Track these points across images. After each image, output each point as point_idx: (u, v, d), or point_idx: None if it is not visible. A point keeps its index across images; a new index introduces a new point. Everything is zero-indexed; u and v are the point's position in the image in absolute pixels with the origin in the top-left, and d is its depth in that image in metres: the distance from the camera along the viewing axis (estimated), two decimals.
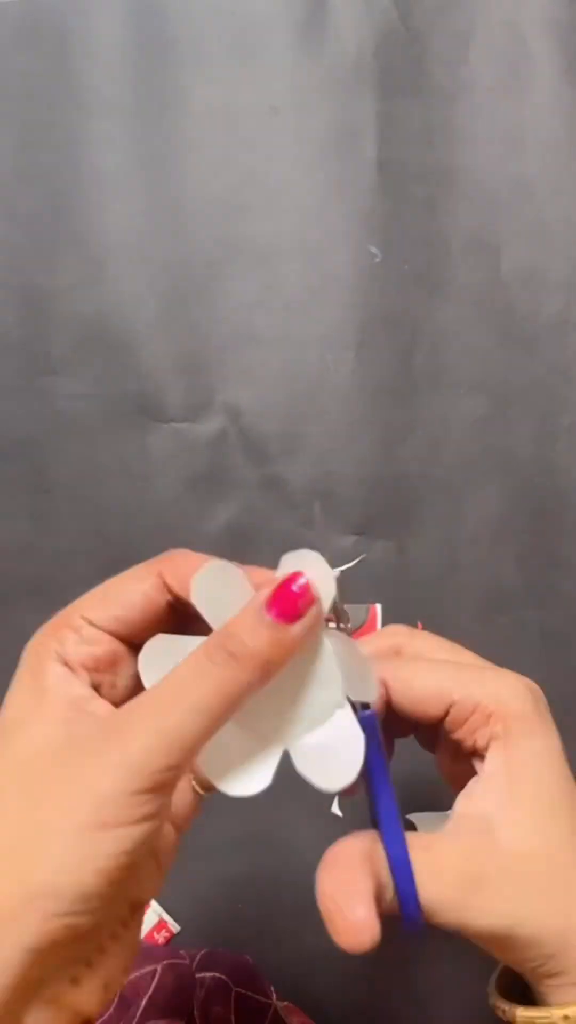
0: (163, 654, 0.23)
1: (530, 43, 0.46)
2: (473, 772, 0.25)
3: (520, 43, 0.46)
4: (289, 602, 0.21)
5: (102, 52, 0.45)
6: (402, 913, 0.22)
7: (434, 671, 0.25)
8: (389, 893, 0.22)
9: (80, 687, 0.23)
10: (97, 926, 0.21)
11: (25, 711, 0.23)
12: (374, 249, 0.46)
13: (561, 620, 0.46)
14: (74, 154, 0.46)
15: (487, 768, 0.24)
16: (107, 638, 0.24)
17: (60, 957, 0.20)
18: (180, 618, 0.24)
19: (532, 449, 0.46)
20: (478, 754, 0.25)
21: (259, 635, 0.21)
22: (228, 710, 0.21)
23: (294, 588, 0.21)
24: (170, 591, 0.24)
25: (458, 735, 0.24)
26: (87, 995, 0.21)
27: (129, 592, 0.24)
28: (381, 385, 0.46)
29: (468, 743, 0.24)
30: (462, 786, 0.25)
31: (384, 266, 0.46)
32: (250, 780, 0.23)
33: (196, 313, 0.46)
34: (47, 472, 0.46)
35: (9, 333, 0.46)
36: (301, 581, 0.21)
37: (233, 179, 0.46)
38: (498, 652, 0.46)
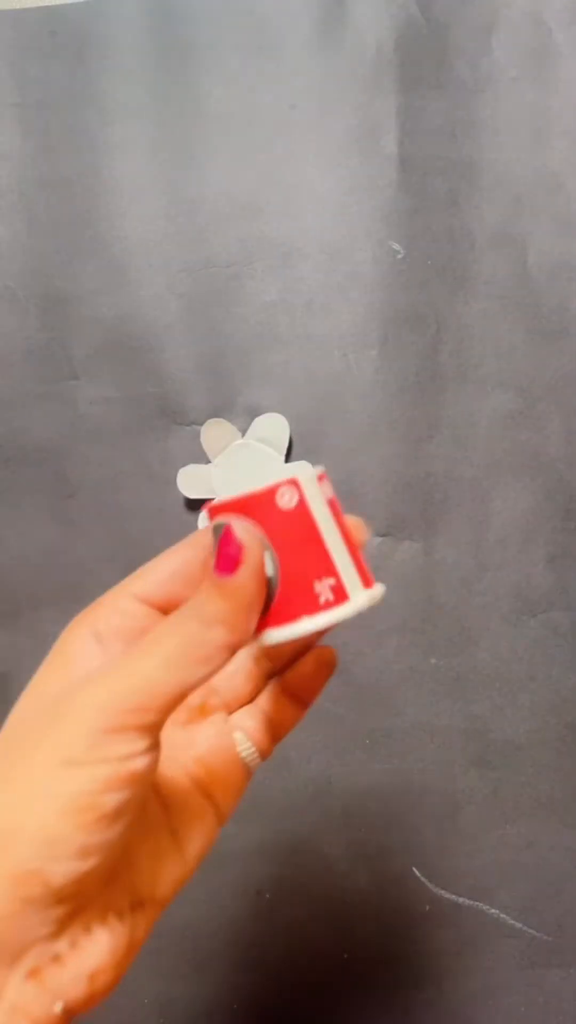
0: None
1: (554, 34, 0.45)
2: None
3: (544, 34, 0.45)
4: (224, 557, 0.22)
5: (120, 57, 0.45)
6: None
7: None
8: None
9: (102, 656, 0.23)
10: (78, 895, 0.21)
11: (41, 675, 0.24)
12: (396, 245, 0.45)
13: None
14: (93, 159, 0.46)
15: None
16: (145, 610, 0.24)
17: (39, 921, 0.20)
18: None
19: (562, 446, 0.45)
20: None
21: (210, 594, 0.22)
22: (196, 666, 0.21)
23: (222, 543, 0.22)
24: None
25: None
26: (71, 981, 0.21)
27: (167, 563, 0.25)
28: (405, 383, 0.45)
29: None
30: None
31: (407, 262, 0.45)
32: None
33: (217, 315, 0.46)
34: (70, 477, 0.46)
35: (31, 338, 0.46)
36: (228, 533, 0.22)
37: (253, 179, 0.45)
38: (529, 655, 0.45)
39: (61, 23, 0.45)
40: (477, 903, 0.43)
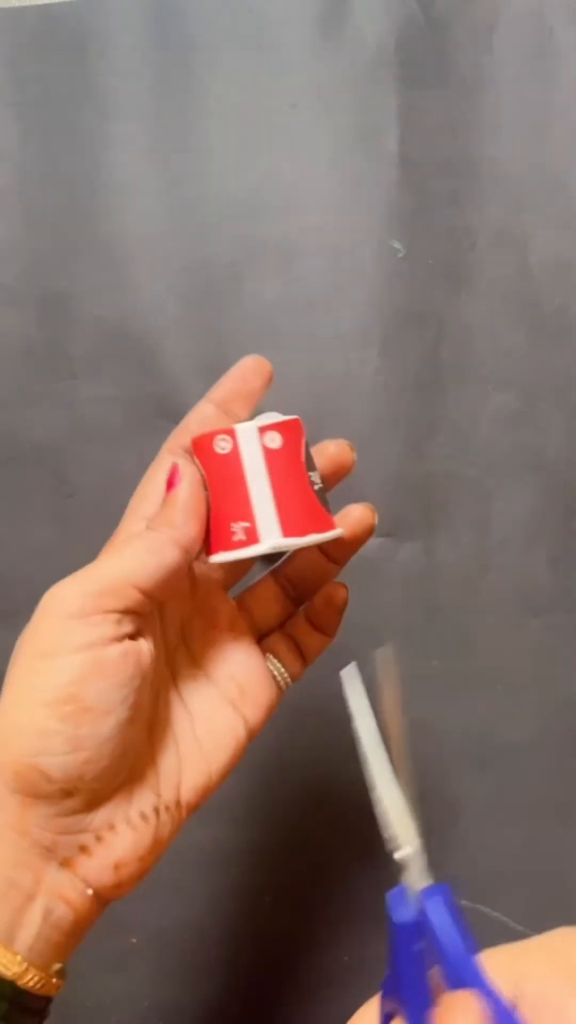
0: None
1: (555, 32, 0.45)
2: None
3: (545, 32, 0.45)
4: (168, 481, 0.27)
5: (120, 54, 0.45)
6: None
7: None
8: None
9: None
10: (86, 790, 0.23)
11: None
12: (397, 244, 0.45)
13: None
14: (93, 157, 0.46)
15: None
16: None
17: (55, 812, 0.22)
18: None
19: (564, 446, 0.45)
20: None
21: (159, 507, 0.26)
22: (147, 557, 0.24)
23: (170, 473, 0.27)
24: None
25: None
26: (98, 869, 0.24)
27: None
28: (406, 383, 0.45)
29: None
30: None
31: (408, 262, 0.45)
32: None
33: (217, 314, 0.45)
34: (69, 477, 0.46)
35: (29, 338, 0.46)
36: (172, 467, 0.27)
37: (253, 178, 0.45)
38: (531, 657, 0.45)
39: (60, 21, 0.45)
40: (479, 906, 0.43)
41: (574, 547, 0.45)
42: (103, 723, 0.22)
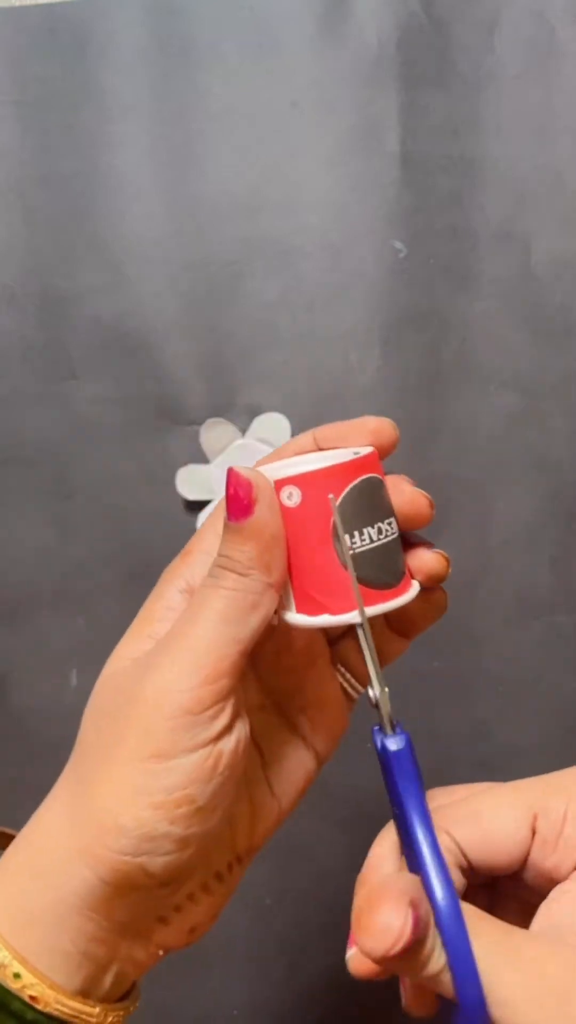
0: None
1: (557, 31, 0.45)
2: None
3: (546, 31, 0.45)
4: (235, 501, 0.21)
5: (120, 54, 0.45)
6: (459, 999, 0.19)
7: (505, 794, 0.22)
8: (437, 965, 0.19)
9: None
10: (180, 877, 0.22)
11: (128, 639, 0.23)
12: (399, 244, 0.45)
13: None
14: (93, 157, 0.45)
15: None
16: None
17: (145, 898, 0.22)
18: None
19: (566, 447, 0.45)
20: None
21: (234, 543, 0.21)
22: (248, 615, 0.21)
23: (231, 488, 0.22)
24: None
25: (551, 862, 0.21)
26: (174, 935, 0.24)
27: None
28: (407, 383, 0.45)
29: (562, 869, 0.21)
30: None
31: (409, 261, 0.45)
32: None
33: (217, 314, 0.45)
34: (69, 477, 0.46)
35: (29, 338, 0.46)
36: (235, 476, 0.22)
37: (254, 177, 0.45)
38: (532, 658, 0.45)
39: (61, 20, 0.45)
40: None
41: (575, 548, 0.45)
42: (213, 819, 0.21)
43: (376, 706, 0.22)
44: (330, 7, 0.44)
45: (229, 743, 0.21)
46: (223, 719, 0.21)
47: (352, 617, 0.22)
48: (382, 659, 0.26)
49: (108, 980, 0.23)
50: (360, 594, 0.22)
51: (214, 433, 0.45)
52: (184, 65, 0.45)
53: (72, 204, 0.45)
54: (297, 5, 0.44)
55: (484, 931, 0.19)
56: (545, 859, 0.21)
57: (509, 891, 0.23)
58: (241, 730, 0.21)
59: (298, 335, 0.45)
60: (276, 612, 0.22)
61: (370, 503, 0.23)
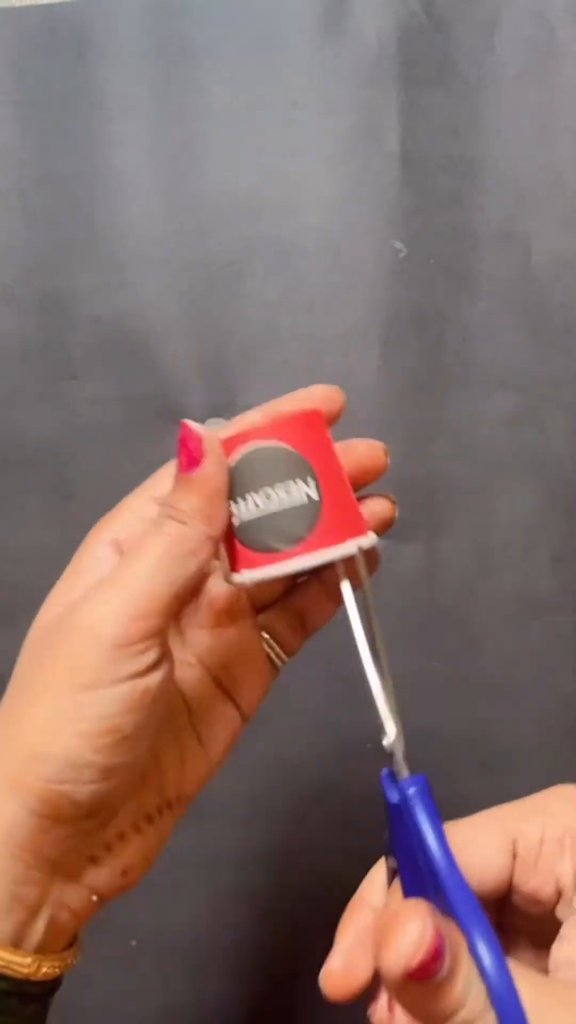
0: None
1: (557, 31, 0.45)
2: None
3: (547, 31, 0.45)
4: (185, 453, 0.22)
5: (120, 54, 0.45)
6: None
7: (483, 822, 0.22)
8: (477, 1006, 0.18)
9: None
10: (106, 808, 0.22)
11: (56, 590, 0.24)
12: (399, 244, 0.45)
13: None
14: (93, 157, 0.45)
15: None
16: None
17: (72, 832, 0.22)
18: None
19: (566, 447, 0.45)
20: (553, 901, 0.22)
21: (180, 493, 0.22)
22: (184, 561, 0.22)
23: (182, 441, 0.23)
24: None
25: (531, 885, 0.21)
26: (106, 877, 0.23)
27: None
28: (407, 384, 0.45)
29: (545, 891, 0.21)
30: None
31: (409, 261, 0.45)
32: None
33: (217, 313, 0.45)
34: (69, 478, 0.46)
35: (29, 338, 0.46)
36: (187, 429, 0.23)
37: (253, 177, 0.45)
38: (532, 659, 0.45)
39: (61, 20, 0.45)
40: None
41: (575, 548, 0.45)
42: (136, 749, 0.22)
43: (390, 753, 0.21)
44: (330, 7, 0.44)
45: (155, 678, 0.22)
46: (150, 655, 0.21)
47: (239, 578, 0.23)
48: (312, 622, 0.28)
49: (40, 926, 0.22)
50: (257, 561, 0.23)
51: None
52: (184, 65, 0.45)
53: (72, 204, 0.45)
54: (297, 5, 0.44)
55: (520, 974, 0.19)
56: (527, 882, 0.22)
57: (493, 919, 0.22)
58: (167, 668, 0.22)
59: (298, 335, 0.45)
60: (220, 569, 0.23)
61: (263, 468, 0.23)
